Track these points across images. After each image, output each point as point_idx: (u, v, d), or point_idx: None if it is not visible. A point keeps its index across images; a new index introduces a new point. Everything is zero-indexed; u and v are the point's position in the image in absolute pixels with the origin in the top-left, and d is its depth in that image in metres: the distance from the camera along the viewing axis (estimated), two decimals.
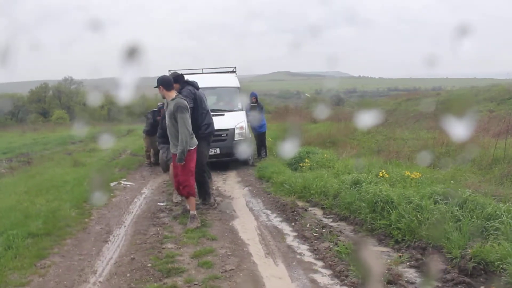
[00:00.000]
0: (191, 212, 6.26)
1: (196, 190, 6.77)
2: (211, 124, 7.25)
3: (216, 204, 7.34)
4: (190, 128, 6.01)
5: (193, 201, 6.28)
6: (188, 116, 6.00)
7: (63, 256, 5.25)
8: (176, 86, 6.65)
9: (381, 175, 6.98)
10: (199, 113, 6.98)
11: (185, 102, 6.06)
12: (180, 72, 13.54)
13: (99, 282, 4.48)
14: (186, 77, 7.12)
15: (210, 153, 10.99)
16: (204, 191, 7.29)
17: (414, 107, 25.00)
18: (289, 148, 9.77)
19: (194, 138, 6.25)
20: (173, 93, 6.13)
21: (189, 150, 6.07)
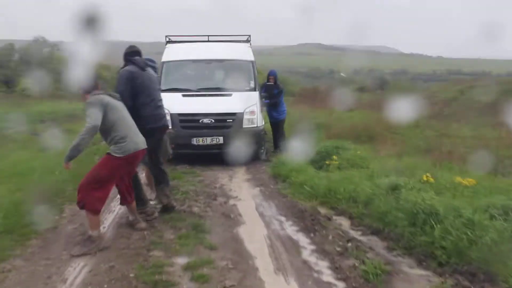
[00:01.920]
0: (90, 232, 5.97)
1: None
2: (156, 116, 7.12)
3: (153, 217, 7.04)
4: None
5: (91, 217, 5.93)
6: (93, 111, 5.78)
7: (27, 260, 5.46)
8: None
9: (425, 179, 7.05)
10: (141, 103, 6.85)
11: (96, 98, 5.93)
12: (181, 38, 13.81)
13: None
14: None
15: (211, 143, 11.22)
16: (139, 195, 7.02)
17: (480, 96, 24.75)
18: (300, 145, 9.85)
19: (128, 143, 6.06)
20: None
21: (111, 155, 5.97)
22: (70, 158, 5.72)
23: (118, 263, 5.34)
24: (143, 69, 6.95)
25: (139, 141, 6.16)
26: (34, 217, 6.68)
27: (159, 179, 7.46)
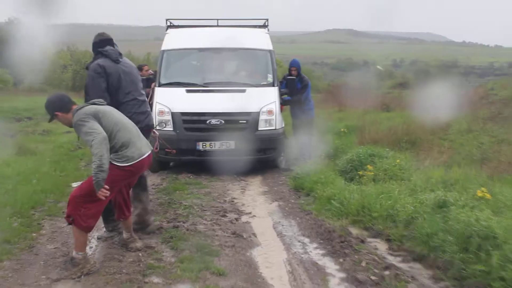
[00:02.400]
0: (73, 253, 6.00)
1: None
2: (138, 115, 7.13)
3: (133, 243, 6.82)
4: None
5: (79, 236, 5.95)
6: (89, 126, 5.75)
7: None
8: None
9: (480, 195, 7.01)
10: (117, 101, 6.92)
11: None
12: (184, 22, 13.81)
13: None
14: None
15: (220, 148, 11.22)
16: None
17: None
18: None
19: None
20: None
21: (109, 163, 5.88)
22: (100, 183, 5.63)
23: None
24: (116, 61, 6.98)
25: (143, 145, 6.21)
26: (7, 235, 6.75)
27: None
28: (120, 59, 7.04)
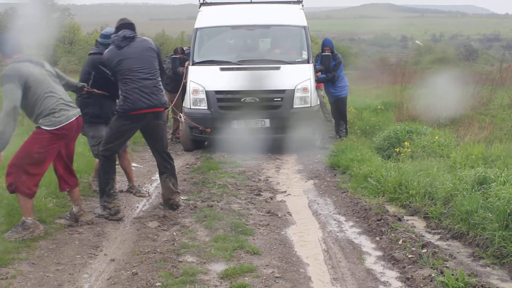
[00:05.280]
0: (23, 218, 6.26)
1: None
2: (139, 92, 7.17)
3: (116, 218, 7.14)
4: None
5: (24, 203, 6.22)
6: (10, 88, 5.99)
7: (34, 264, 5.60)
8: None
9: None
10: (117, 78, 7.19)
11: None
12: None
13: None
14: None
15: (255, 126, 11.25)
16: (105, 184, 7.26)
17: None
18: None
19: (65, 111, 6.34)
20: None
21: (41, 128, 6.23)
22: None
23: (142, 269, 5.44)
24: (118, 47, 7.10)
25: (71, 113, 6.39)
26: (42, 215, 6.86)
27: (161, 169, 7.52)
28: (124, 45, 7.10)
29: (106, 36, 7.74)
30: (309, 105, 11.64)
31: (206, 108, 11.49)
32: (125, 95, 6.98)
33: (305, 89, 11.61)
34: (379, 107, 16.09)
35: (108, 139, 7.18)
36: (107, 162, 7.19)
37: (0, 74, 6.21)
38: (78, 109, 6.61)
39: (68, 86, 7.00)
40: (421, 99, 15.86)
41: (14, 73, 6.02)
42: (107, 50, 7.20)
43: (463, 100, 14.41)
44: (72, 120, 6.37)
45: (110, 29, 7.83)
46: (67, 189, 6.79)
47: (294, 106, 11.51)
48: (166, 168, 7.45)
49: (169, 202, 7.41)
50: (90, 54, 7.92)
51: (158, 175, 7.73)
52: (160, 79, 7.37)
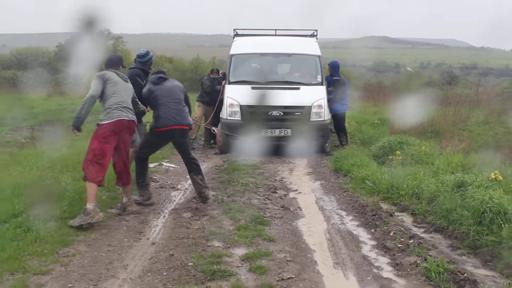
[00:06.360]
0: (87, 204, 6.28)
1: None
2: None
3: (149, 202, 7.42)
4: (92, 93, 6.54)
5: (90, 189, 6.31)
6: (94, 83, 6.56)
7: (89, 245, 5.67)
8: None
9: (493, 177, 6.86)
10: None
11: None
12: (247, 32, 13.98)
13: (130, 279, 4.82)
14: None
15: (280, 135, 11.39)
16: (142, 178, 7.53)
17: None
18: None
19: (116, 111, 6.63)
20: None
21: (99, 124, 6.59)
22: (75, 127, 6.47)
23: (177, 252, 5.46)
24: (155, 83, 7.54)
25: (123, 114, 6.65)
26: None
27: (188, 169, 7.67)
28: (159, 82, 7.50)
29: (140, 56, 8.17)
30: (322, 119, 11.86)
31: (240, 119, 11.75)
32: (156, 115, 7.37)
33: (319, 106, 11.85)
34: (376, 121, 16.06)
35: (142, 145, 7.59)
36: (140, 161, 7.44)
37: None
38: (134, 116, 6.84)
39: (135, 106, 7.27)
40: (412, 115, 15.81)
41: (101, 74, 6.64)
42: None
43: (445, 116, 14.39)
44: (123, 118, 6.62)
45: (143, 50, 8.31)
46: (123, 185, 6.93)
47: (311, 120, 11.72)
48: (192, 167, 7.57)
49: (201, 195, 7.47)
50: (130, 68, 8.21)
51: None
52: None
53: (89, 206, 6.20)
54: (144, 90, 7.52)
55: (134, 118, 6.84)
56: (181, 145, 7.58)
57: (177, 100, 7.43)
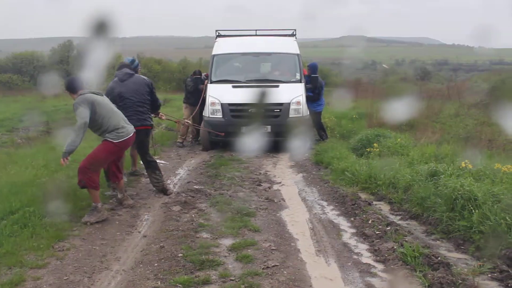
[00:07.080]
0: (93, 203, 6.38)
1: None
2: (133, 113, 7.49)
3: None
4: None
5: (93, 193, 6.36)
6: (81, 110, 6.19)
7: (84, 239, 5.65)
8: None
9: (464, 166, 6.91)
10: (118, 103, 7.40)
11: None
12: (229, 32, 13.92)
13: (123, 270, 4.81)
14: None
15: (259, 131, 11.31)
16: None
17: None
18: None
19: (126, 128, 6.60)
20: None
21: (106, 141, 6.46)
22: (68, 153, 6.10)
23: (168, 243, 5.46)
24: (121, 80, 7.57)
25: (130, 129, 6.63)
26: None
27: (145, 166, 7.76)
28: (125, 79, 7.55)
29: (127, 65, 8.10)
30: (301, 115, 11.76)
31: (221, 116, 11.64)
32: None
33: (298, 103, 11.75)
34: (354, 116, 16.09)
35: None
36: None
37: (72, 107, 6.36)
38: (133, 126, 6.77)
39: None
40: (387, 110, 15.90)
41: (82, 100, 6.23)
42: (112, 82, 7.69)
43: (420, 110, 14.46)
44: (131, 135, 6.61)
45: (128, 58, 8.39)
46: (116, 181, 6.97)
47: (290, 116, 11.61)
48: (150, 164, 7.69)
49: (157, 188, 7.67)
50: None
51: (180, 170, 7.75)
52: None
53: (98, 205, 6.31)
54: (108, 87, 7.59)
55: (133, 128, 6.79)
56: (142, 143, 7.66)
57: (142, 100, 7.54)
